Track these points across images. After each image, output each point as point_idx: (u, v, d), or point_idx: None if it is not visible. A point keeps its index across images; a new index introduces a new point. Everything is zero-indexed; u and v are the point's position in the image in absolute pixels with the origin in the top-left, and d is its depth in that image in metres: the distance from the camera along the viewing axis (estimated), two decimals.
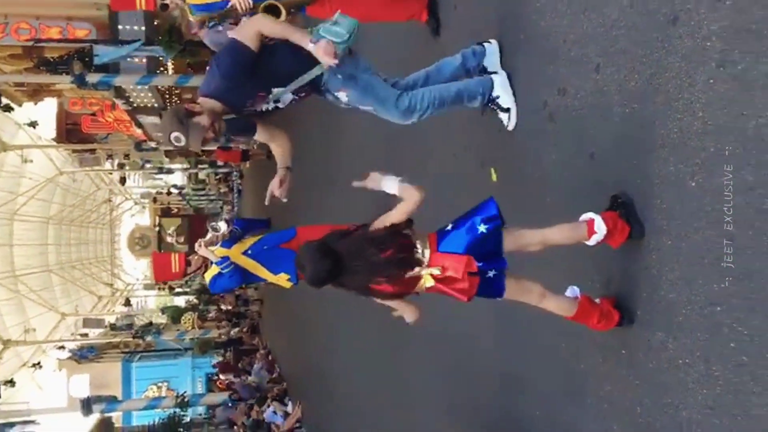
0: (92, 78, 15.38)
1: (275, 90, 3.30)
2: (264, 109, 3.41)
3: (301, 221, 11.71)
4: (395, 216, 2.52)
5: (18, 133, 22.46)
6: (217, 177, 31.70)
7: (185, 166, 31.62)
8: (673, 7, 2.30)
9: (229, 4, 4.23)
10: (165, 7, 4.37)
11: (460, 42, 3.82)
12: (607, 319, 2.64)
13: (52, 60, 17.66)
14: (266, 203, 3.58)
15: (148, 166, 28.56)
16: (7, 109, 20.30)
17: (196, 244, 6.02)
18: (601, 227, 2.52)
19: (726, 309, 2.09)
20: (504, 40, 3.64)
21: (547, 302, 2.68)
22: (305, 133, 10.01)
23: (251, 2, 4.22)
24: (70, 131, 24.74)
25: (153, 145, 22.09)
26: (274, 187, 3.51)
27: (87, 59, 16.46)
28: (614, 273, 2.72)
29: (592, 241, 2.56)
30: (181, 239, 34.14)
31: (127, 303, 33.60)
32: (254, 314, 21.94)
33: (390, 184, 2.57)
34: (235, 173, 27.41)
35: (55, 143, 24.38)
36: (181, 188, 36.41)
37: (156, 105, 19.86)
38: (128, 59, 16.59)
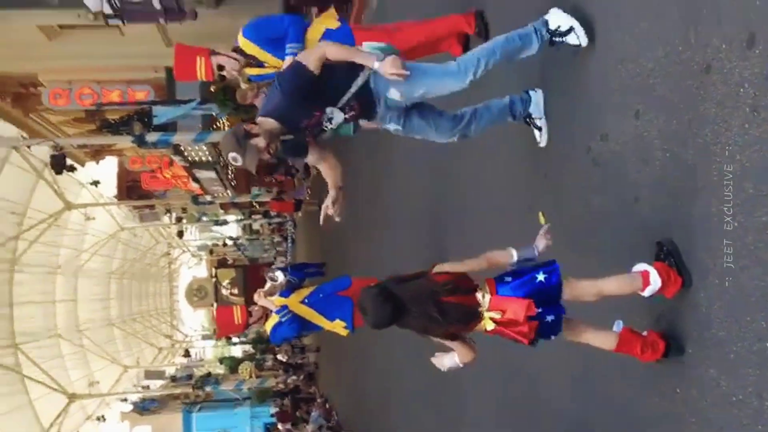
0: (151, 137, 16.03)
1: (329, 109, 3.42)
2: (319, 130, 3.53)
3: (352, 264, 11.89)
4: (461, 267, 2.66)
5: (81, 191, 23.42)
6: (271, 227, 32.34)
7: (240, 217, 32.40)
8: (705, 56, 2.42)
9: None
10: (223, 78, 4.67)
11: (506, 88, 3.97)
12: (652, 349, 2.67)
13: (113, 122, 18.50)
14: (321, 224, 3.74)
15: (204, 219, 29.38)
16: (71, 169, 21.28)
17: (256, 295, 6.23)
18: (656, 280, 2.59)
19: None
20: (546, 88, 3.78)
21: (590, 337, 2.76)
22: (353, 176, 10.25)
23: None
24: (130, 188, 25.75)
25: (209, 198, 22.77)
26: (328, 207, 3.64)
27: (146, 119, 17.20)
28: (664, 311, 2.77)
29: (647, 293, 2.64)
30: (236, 291, 34.67)
31: (187, 354, 34.19)
32: (311, 364, 22.09)
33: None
34: (289, 222, 27.95)
35: (116, 200, 25.35)
36: (236, 239, 37.21)
37: (211, 159, 20.54)
38: (185, 118, 17.28)
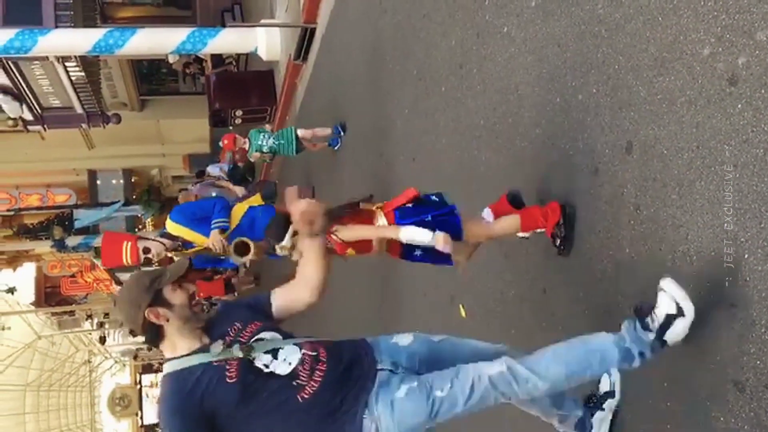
0: (72, 241, 15.69)
1: None
2: None
3: None
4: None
5: None
6: None
7: None
8: (593, 160, 2.69)
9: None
10: (148, 261, 4.79)
11: None
12: (551, 213, 2.86)
13: (32, 227, 18.03)
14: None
15: None
16: None
17: None
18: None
19: None
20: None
21: (495, 229, 2.95)
22: None
23: (225, 244, 4.61)
24: (48, 294, 24.79)
25: None
26: None
27: (66, 223, 16.85)
28: None
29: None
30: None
31: None
32: None
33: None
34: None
35: (33, 308, 24.30)
36: None
37: None
38: (108, 220, 17.05)
